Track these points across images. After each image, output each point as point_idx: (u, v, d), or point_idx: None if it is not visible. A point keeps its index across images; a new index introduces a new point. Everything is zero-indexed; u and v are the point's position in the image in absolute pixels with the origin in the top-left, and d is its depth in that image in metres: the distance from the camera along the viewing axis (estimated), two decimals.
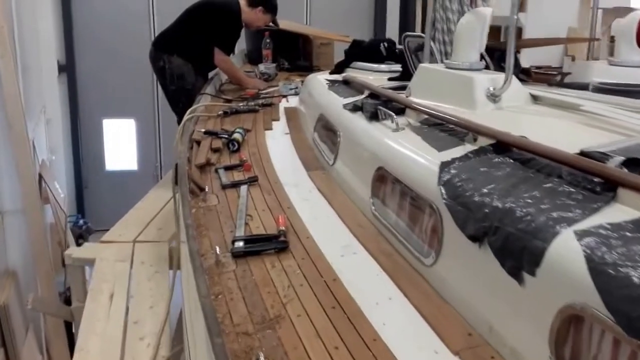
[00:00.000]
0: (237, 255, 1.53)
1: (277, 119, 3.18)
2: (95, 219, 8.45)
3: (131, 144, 8.93)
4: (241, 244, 1.58)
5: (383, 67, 3.01)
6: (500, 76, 1.92)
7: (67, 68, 8.03)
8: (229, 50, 4.16)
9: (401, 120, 1.87)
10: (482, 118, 1.71)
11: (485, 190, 1.23)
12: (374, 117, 2.01)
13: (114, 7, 8.12)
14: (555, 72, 2.89)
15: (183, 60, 4.04)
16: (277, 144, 2.70)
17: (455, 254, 1.29)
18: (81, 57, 8.19)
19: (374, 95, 2.34)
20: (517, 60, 2.67)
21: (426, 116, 1.87)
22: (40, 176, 4.97)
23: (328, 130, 2.39)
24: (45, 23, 6.79)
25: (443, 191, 1.34)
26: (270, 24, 4.41)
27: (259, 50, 4.87)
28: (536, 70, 2.84)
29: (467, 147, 1.51)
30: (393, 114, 1.88)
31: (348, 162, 2.08)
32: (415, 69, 2.59)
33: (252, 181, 2.15)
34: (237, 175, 2.25)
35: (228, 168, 2.32)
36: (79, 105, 8.36)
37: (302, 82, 4.08)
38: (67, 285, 4.70)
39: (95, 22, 8.11)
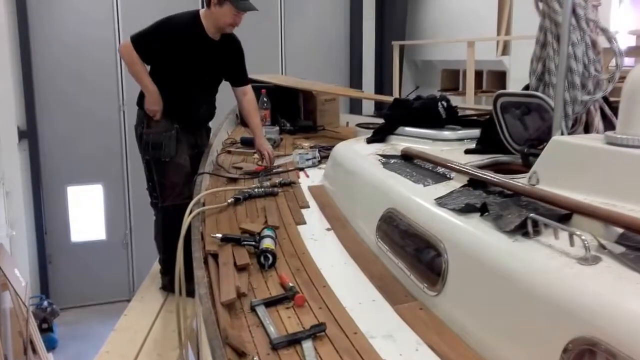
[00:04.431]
0: None
1: (306, 206, 2.41)
2: (61, 297, 7.71)
3: (99, 211, 8.10)
4: None
5: (447, 133, 2.29)
6: None
7: (29, 133, 7.28)
8: (173, 74, 3.15)
9: (584, 238, 1.13)
10: None
11: None
12: (519, 229, 1.26)
13: (78, 70, 7.44)
14: None
15: (166, 122, 3.16)
16: (324, 251, 1.92)
17: None
18: (43, 121, 7.49)
19: (476, 183, 1.61)
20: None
21: (619, 230, 1.14)
22: None
23: (412, 237, 1.63)
24: (3, 88, 6.24)
25: None
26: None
27: None
28: None
29: None
30: (578, 232, 1.13)
31: (476, 300, 1.31)
32: (513, 140, 1.89)
33: (317, 332, 1.36)
34: (288, 317, 1.45)
35: (270, 304, 1.52)
36: (41, 173, 7.58)
37: (317, 149, 3.38)
38: None
39: (58, 84, 7.44)
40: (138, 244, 8.07)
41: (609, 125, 1.74)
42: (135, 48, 3.05)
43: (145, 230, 7.84)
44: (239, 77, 3.39)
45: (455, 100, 3.61)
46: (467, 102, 5.87)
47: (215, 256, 1.81)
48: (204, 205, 2.34)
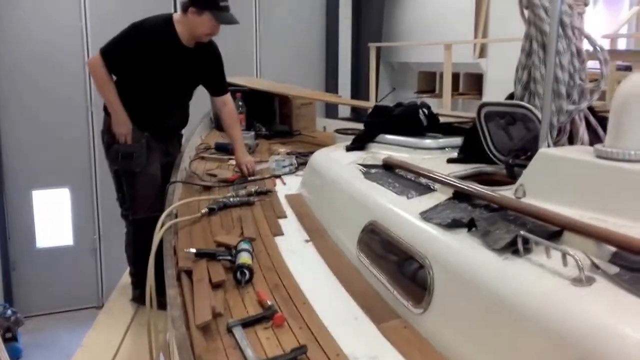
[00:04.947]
0: None
1: (284, 216, 2.34)
2: (26, 305, 7.47)
3: (65, 215, 7.86)
4: None
5: (428, 142, 2.24)
6: None
7: None
8: (140, 80, 3.00)
9: (576, 257, 1.08)
10: None
11: None
12: (508, 247, 1.21)
13: (43, 67, 7.21)
14: None
15: (136, 131, 3.01)
16: (303, 264, 1.84)
17: None
18: (6, 122, 7.19)
19: (461, 195, 1.56)
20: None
21: (612, 248, 1.10)
22: None
23: (395, 252, 1.57)
24: None
25: None
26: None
27: None
28: None
29: None
30: (571, 251, 1.08)
31: (463, 320, 1.26)
32: (497, 150, 1.85)
33: (298, 355, 1.29)
34: (267, 338, 1.38)
35: (248, 324, 1.45)
36: (4, 177, 7.30)
37: (294, 155, 3.30)
38: None
39: (22, 82, 7.19)
40: (107, 249, 7.85)
41: (593, 135, 1.71)
42: (105, 58, 2.91)
43: (115, 235, 7.64)
44: (218, 86, 3.24)
45: (432, 103, 3.59)
46: (444, 104, 5.86)
47: (189, 272, 1.72)
48: (176, 216, 2.24)
